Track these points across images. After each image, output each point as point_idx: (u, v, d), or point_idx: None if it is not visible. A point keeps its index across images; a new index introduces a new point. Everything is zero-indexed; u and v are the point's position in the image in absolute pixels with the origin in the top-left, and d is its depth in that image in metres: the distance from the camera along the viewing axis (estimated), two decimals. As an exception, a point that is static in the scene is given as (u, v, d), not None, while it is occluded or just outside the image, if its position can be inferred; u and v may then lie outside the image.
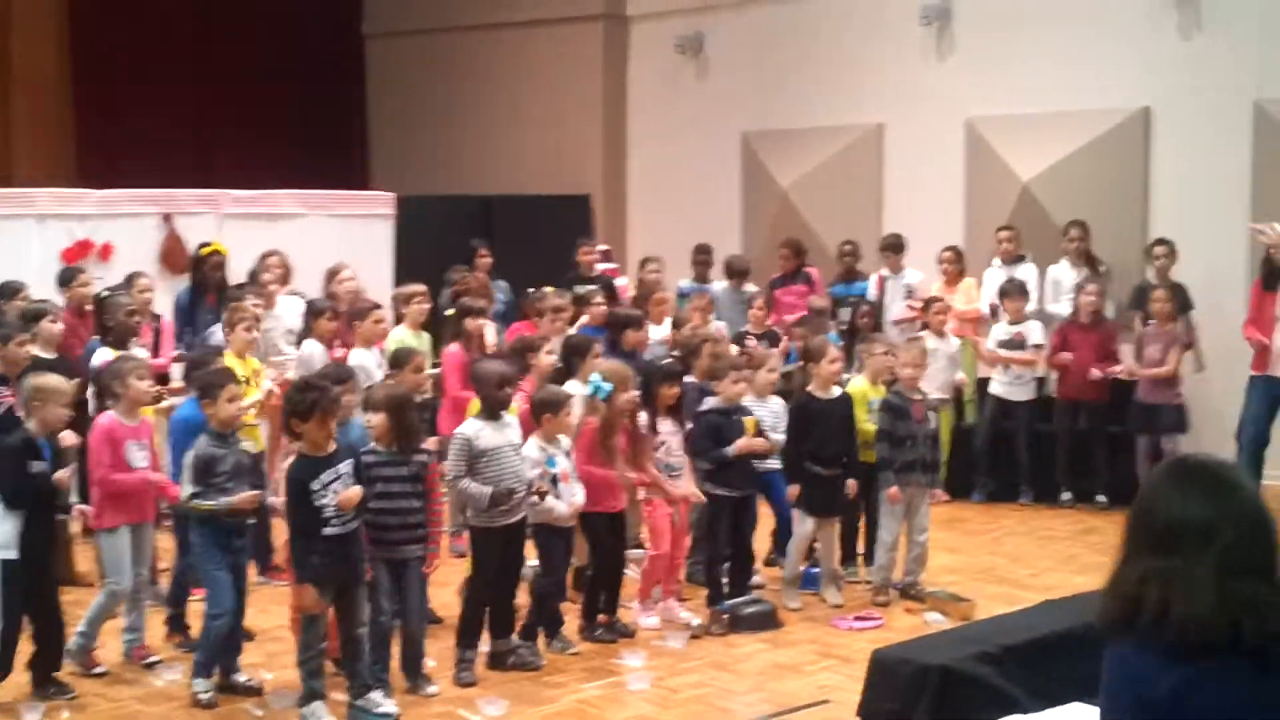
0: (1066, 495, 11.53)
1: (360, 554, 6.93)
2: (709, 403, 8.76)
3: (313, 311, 10.24)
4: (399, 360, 8.61)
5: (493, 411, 7.64)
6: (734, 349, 10.44)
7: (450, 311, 10.89)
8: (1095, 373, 11.39)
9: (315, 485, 6.73)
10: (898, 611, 8.65)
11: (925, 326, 11.75)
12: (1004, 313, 11.86)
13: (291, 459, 7.09)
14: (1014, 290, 11.81)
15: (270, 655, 7.84)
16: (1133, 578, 3.10)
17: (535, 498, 7.61)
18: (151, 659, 7.73)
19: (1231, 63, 12.40)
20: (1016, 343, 11.70)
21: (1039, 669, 6.10)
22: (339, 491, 6.75)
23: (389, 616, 7.13)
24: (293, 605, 7.19)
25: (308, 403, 6.83)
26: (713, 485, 8.58)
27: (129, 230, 12.33)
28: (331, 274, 11.34)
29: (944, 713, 5.79)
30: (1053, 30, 13.40)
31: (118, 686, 7.45)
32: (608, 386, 8.13)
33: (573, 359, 9.09)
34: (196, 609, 7.71)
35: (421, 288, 10.80)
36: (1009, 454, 11.76)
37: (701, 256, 13.71)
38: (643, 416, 8.42)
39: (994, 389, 11.85)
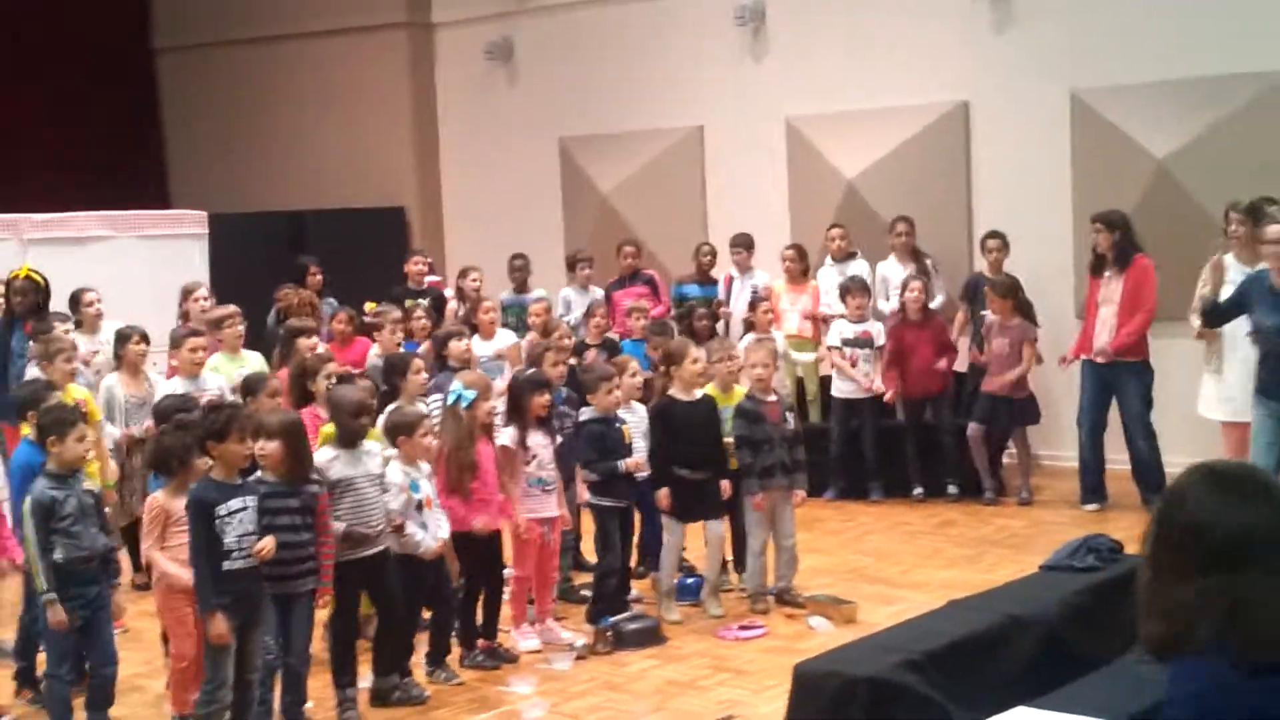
0: (918, 490, 11.55)
1: (260, 592, 6.56)
2: (586, 413, 8.53)
3: (120, 337, 9.72)
4: (252, 387, 8.17)
5: (349, 440, 7.27)
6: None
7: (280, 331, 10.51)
8: (942, 363, 11.43)
9: (221, 510, 6.37)
10: (779, 618, 8.52)
11: (752, 326, 11.65)
12: (846, 310, 11.80)
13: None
14: (855, 287, 11.77)
15: (131, 706, 7.39)
16: (1186, 599, 2.92)
17: (394, 531, 7.29)
18: (4, 717, 7.23)
19: (1046, 54, 12.59)
20: (863, 341, 11.65)
21: (958, 674, 6.04)
22: (244, 523, 6.41)
23: (276, 656, 6.76)
24: (176, 654, 6.77)
25: (222, 421, 6.47)
26: (599, 496, 8.38)
27: (-73, 258, 11.63)
28: (186, 293, 10.83)
29: (875, 724, 5.68)
30: (868, 27, 13.47)
31: (-28, 751, 6.96)
32: (470, 394, 7.83)
33: (393, 378, 8.64)
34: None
35: (231, 309, 10.33)
36: (857, 451, 11.74)
37: (519, 262, 13.37)
38: (512, 431, 8.16)
39: (837, 391, 11.77)
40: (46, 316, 10.14)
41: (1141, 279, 10.72)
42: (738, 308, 12.51)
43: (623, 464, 8.36)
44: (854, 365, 11.63)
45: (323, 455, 7.20)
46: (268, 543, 6.48)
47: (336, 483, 7.10)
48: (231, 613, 6.39)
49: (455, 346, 9.56)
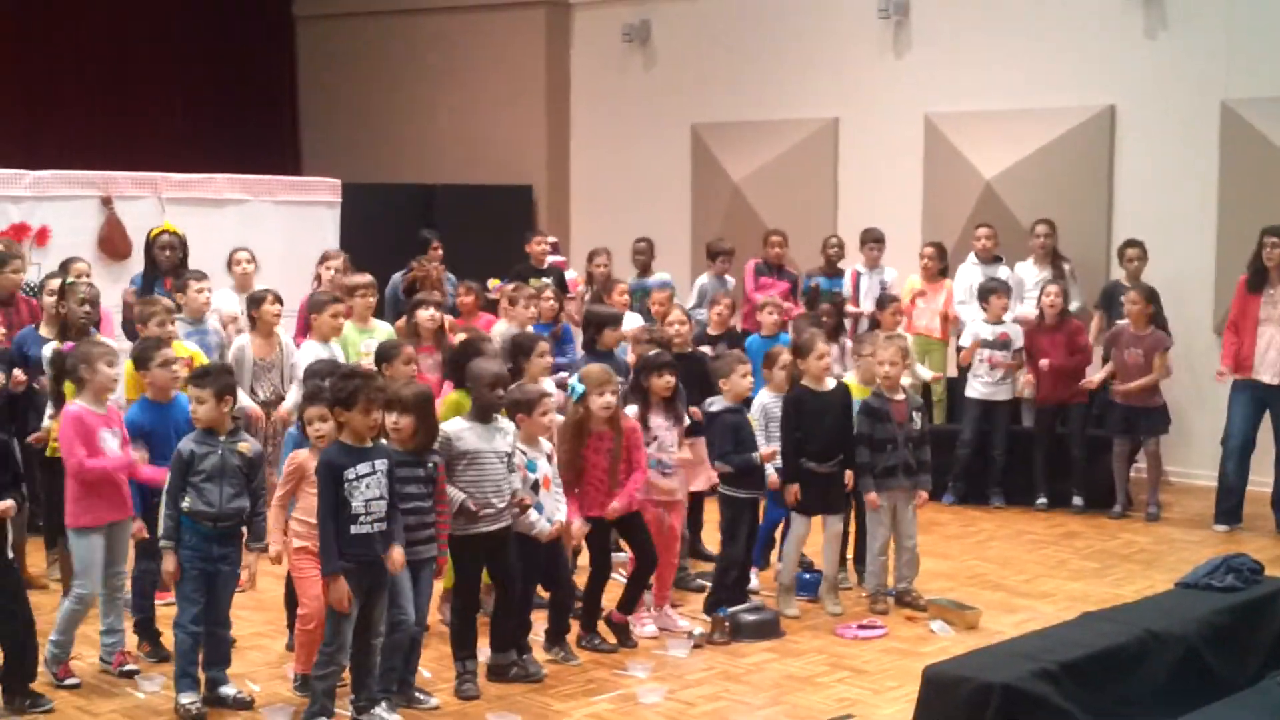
0: (1042, 499, 11.33)
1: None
2: (719, 403, 8.41)
3: (254, 300, 9.76)
4: (387, 354, 8.15)
5: (483, 413, 7.21)
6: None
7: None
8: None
9: (349, 474, 6.36)
10: (898, 619, 8.37)
11: (877, 324, 11.45)
12: (984, 311, 11.57)
13: None
14: (998, 288, 11.55)
15: (253, 665, 7.43)
16: None
17: (517, 509, 7.23)
18: (130, 667, 7.27)
19: (1198, 61, 12.30)
20: (1001, 343, 11.42)
21: (1094, 687, 5.90)
22: (371, 487, 6.40)
23: (411, 622, 6.75)
24: (303, 614, 6.79)
25: (350, 390, 6.45)
26: (733, 488, 8.26)
27: (66, 213, 11.74)
28: (323, 258, 11.07)
29: (1007, 733, 5.53)
30: (1014, 26, 13.24)
31: (96, 699, 6.97)
32: (581, 388, 7.72)
33: (518, 358, 8.34)
34: (164, 613, 7.37)
35: (367, 279, 10.36)
36: (983, 455, 11.53)
37: (641, 245, 13.20)
38: (634, 409, 8.08)
39: (974, 391, 11.50)
40: (184, 273, 10.20)
41: None
42: (866, 304, 12.33)
43: (758, 455, 8.21)
44: (992, 367, 11.42)
45: (455, 425, 7.15)
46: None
47: (464, 454, 7.05)
48: (356, 577, 6.38)
49: (610, 334, 9.41)
